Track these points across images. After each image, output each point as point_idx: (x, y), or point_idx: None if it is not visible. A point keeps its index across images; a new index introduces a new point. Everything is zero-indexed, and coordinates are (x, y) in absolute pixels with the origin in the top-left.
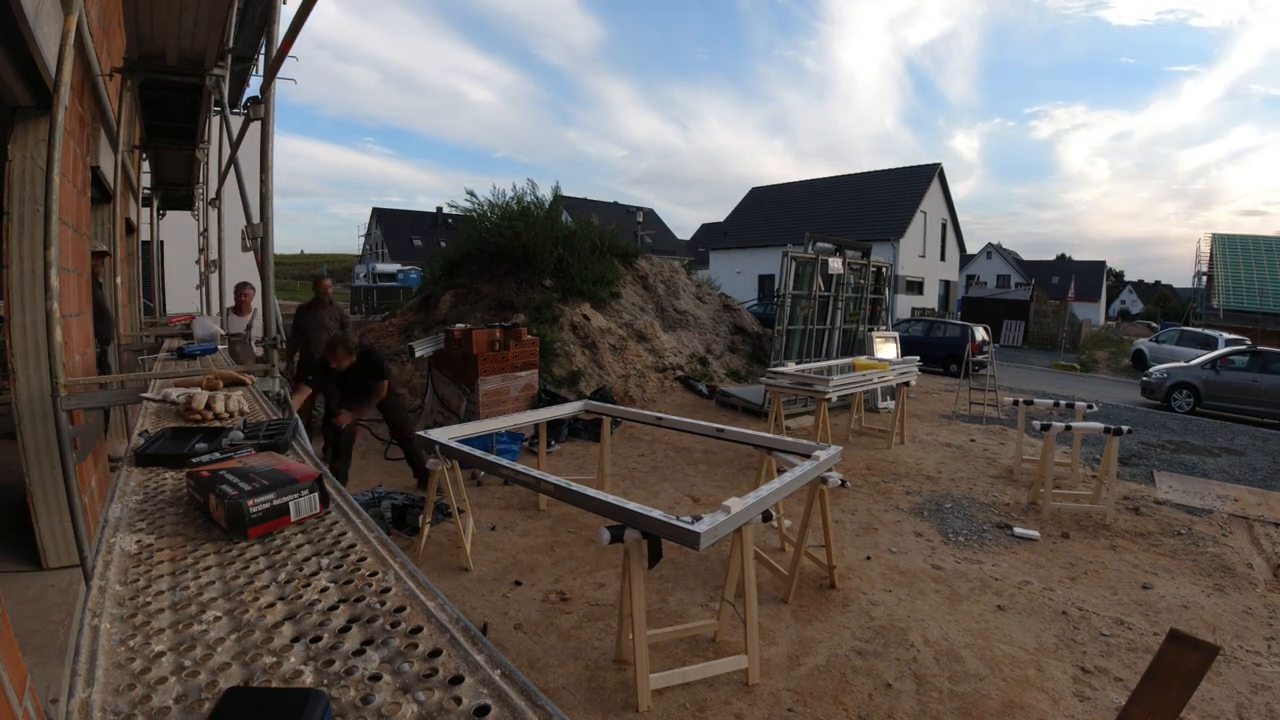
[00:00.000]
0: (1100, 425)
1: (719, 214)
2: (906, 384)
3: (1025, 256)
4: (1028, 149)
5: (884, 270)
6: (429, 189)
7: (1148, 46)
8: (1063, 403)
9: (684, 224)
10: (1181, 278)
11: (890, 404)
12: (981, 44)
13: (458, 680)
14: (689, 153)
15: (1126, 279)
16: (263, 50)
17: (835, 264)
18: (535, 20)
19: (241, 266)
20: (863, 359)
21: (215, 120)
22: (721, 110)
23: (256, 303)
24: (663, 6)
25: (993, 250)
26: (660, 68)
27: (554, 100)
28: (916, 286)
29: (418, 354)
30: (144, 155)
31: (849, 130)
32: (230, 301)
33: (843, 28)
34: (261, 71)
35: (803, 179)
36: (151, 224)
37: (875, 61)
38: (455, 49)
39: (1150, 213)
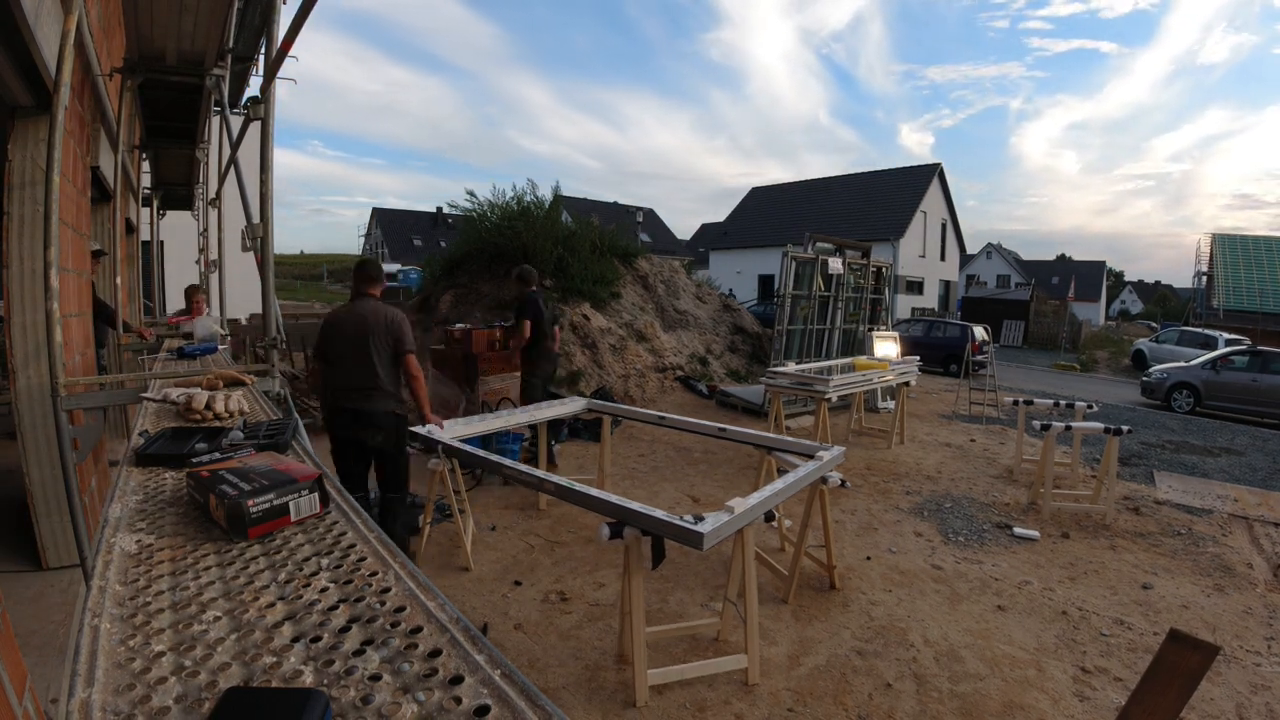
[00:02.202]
0: (1100, 425)
1: (685, 215)
2: (906, 384)
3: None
4: (983, 143)
5: (884, 270)
6: (392, 190)
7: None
8: (1063, 403)
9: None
10: (1179, 277)
11: (890, 404)
12: (888, 30)
13: (458, 680)
14: (634, 152)
15: (1126, 279)
16: (263, 50)
17: (835, 264)
18: (425, 23)
19: (242, 266)
20: (863, 359)
21: (215, 120)
22: (652, 110)
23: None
24: (551, 5)
25: (993, 250)
26: (568, 69)
27: (480, 103)
28: (916, 286)
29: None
30: (144, 155)
31: (784, 125)
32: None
33: (739, 25)
34: (261, 71)
35: (801, 179)
36: (151, 224)
37: (786, 54)
38: (356, 59)
39: (1126, 207)
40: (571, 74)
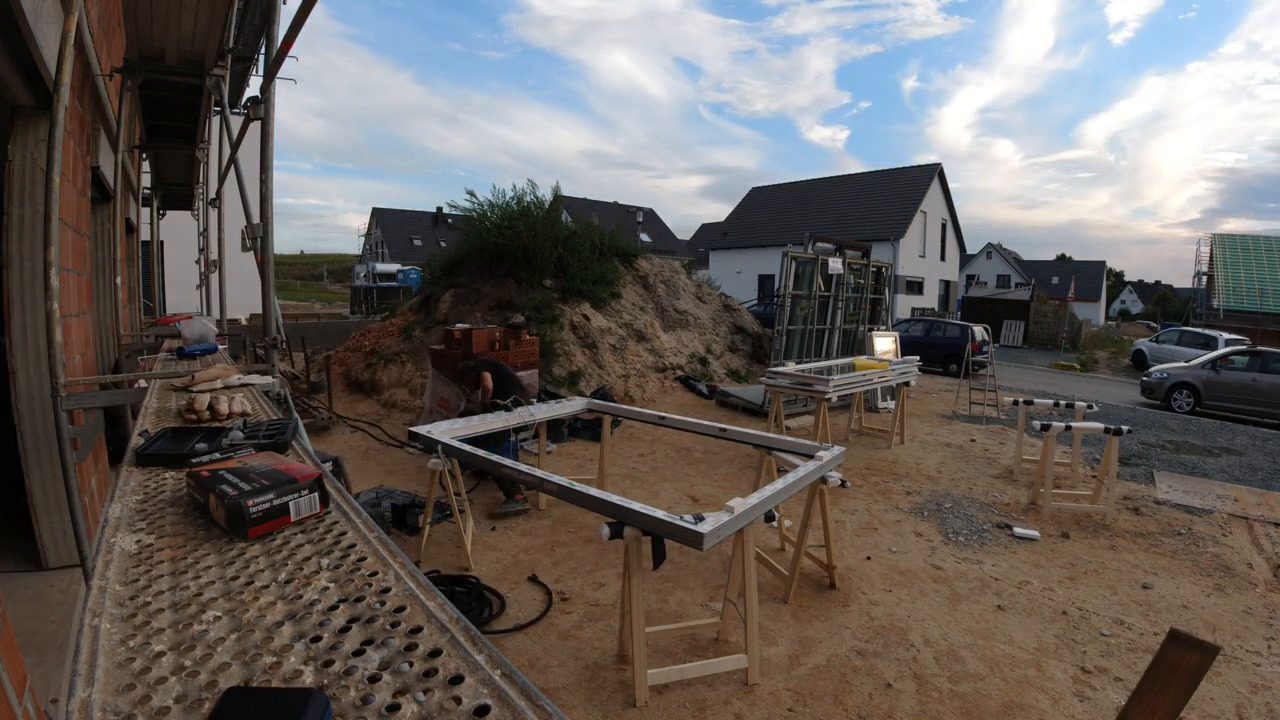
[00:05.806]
0: (1100, 425)
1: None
2: (906, 384)
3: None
4: (900, 135)
5: (884, 270)
6: (343, 192)
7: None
8: (1063, 403)
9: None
10: (1180, 277)
11: (890, 404)
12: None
13: (458, 680)
14: (547, 149)
15: (1126, 279)
16: (263, 50)
17: (835, 264)
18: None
19: (242, 267)
20: (863, 359)
21: (215, 120)
22: (534, 109)
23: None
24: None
25: (993, 250)
26: (426, 72)
27: (358, 108)
28: (916, 286)
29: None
30: (144, 155)
31: (669, 123)
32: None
33: (553, 17)
34: (261, 71)
35: (801, 179)
36: (151, 224)
37: (621, 42)
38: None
39: (1079, 200)
40: (431, 77)
